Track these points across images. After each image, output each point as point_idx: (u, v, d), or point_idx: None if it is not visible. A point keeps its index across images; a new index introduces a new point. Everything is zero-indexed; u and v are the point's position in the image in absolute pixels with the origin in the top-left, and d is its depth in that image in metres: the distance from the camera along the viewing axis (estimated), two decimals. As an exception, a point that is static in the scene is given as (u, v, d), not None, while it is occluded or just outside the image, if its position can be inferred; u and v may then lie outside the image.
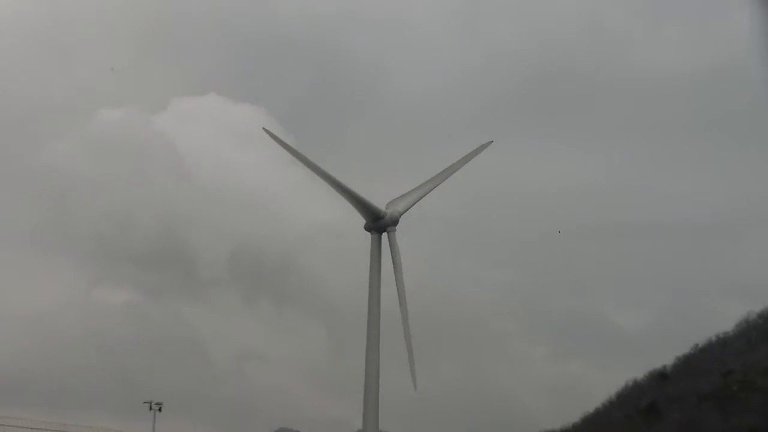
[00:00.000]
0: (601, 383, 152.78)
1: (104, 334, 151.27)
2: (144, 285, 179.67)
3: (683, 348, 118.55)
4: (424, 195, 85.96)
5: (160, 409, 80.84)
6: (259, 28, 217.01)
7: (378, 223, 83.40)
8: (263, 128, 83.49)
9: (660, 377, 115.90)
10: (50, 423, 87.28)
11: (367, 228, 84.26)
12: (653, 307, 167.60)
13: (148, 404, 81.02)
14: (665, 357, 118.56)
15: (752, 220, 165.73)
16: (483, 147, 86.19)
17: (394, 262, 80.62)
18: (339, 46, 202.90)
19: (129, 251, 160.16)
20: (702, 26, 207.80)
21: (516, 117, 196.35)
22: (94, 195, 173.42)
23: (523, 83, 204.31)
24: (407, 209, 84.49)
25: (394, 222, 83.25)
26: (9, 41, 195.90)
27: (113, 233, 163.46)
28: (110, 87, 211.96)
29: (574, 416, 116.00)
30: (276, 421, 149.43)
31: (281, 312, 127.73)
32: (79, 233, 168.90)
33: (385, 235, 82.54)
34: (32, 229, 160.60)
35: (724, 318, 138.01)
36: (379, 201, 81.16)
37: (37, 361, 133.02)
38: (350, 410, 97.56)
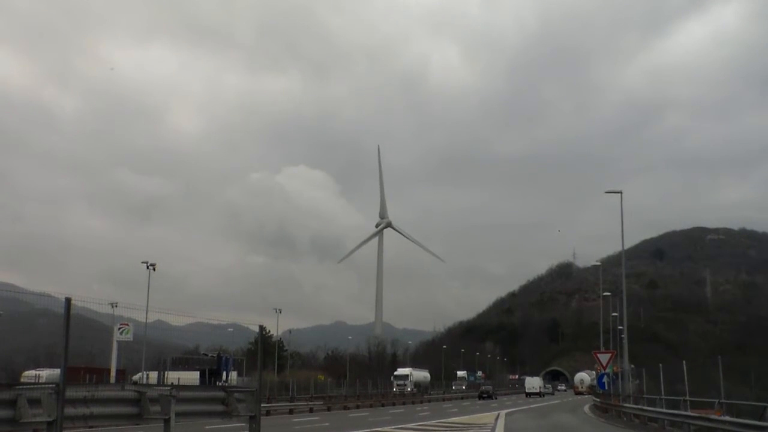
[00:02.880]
0: (483, 299, 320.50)
1: (252, 276, 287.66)
2: (271, 254, 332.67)
3: (522, 281, 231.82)
4: (405, 238, 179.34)
5: (280, 311, 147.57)
6: (322, 131, 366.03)
7: (382, 219, 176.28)
8: (391, 225, 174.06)
9: (512, 295, 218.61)
10: (227, 318, 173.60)
11: (377, 225, 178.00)
12: (505, 262, 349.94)
13: (275, 309, 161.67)
14: (514, 285, 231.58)
15: (551, 221, 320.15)
16: (439, 258, 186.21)
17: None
18: (360, 142, 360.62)
19: (264, 238, 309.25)
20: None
21: (438, 177, 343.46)
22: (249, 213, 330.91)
23: (442, 159, 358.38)
24: (396, 232, 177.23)
25: (388, 225, 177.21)
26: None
27: (257, 230, 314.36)
28: (254, 162, 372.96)
29: (472, 314, 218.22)
30: (334, 316, 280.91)
31: (335, 266, 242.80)
32: (241, 230, 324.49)
33: (384, 231, 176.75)
34: (220, 228, 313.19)
35: (538, 267, 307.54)
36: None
37: (223, 288, 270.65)
38: (369, 311, 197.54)
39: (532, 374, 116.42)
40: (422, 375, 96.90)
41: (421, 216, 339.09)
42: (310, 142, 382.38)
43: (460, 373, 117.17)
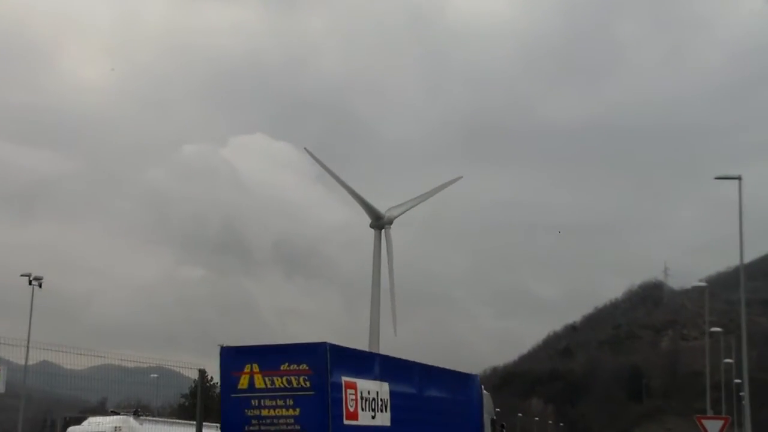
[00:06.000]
0: (528, 334, 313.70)
1: (187, 298, 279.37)
2: (214, 266, 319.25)
3: (587, 309, 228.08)
4: (412, 207, 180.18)
5: None
6: (290, 86, 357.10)
7: (379, 221, 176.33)
8: (305, 148, 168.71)
9: (572, 329, 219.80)
10: (150, 359, 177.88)
11: (371, 226, 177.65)
12: (560, 281, 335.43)
13: (220, 345, 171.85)
14: (575, 315, 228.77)
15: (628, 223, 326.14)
16: (454, 180, 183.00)
17: (387, 250, 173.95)
18: (345, 102, 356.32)
19: (204, 241, 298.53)
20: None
21: (462, 152, 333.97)
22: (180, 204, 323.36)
23: (465, 131, 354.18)
24: (400, 215, 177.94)
25: (390, 222, 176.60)
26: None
27: (193, 230, 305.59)
28: (190, 130, 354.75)
29: (513, 356, 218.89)
30: None
31: (309, 283, 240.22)
32: (170, 230, 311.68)
33: (383, 231, 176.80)
34: (138, 227, 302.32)
35: (610, 289, 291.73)
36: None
37: (143, 316, 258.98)
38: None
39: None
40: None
41: (433, 211, 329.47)
42: (273, 102, 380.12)
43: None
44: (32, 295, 53.36)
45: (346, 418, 19.87)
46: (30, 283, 53.69)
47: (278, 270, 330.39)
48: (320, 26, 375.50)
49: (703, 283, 66.87)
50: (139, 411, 66.54)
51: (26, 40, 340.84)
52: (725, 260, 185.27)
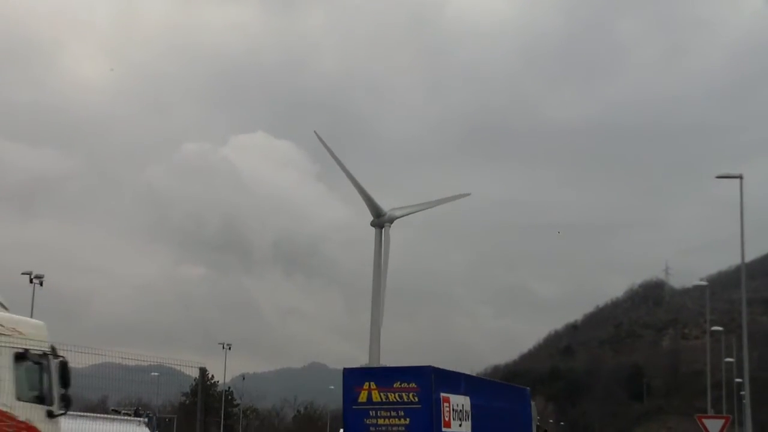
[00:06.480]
0: (529, 333, 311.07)
1: (187, 297, 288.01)
2: (214, 264, 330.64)
3: (588, 308, 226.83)
4: (414, 212, 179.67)
5: (230, 348, 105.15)
6: (291, 85, 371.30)
7: (380, 219, 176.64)
8: (314, 131, 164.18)
9: (573, 328, 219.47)
10: (151, 357, 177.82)
11: (372, 224, 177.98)
12: (561, 280, 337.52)
13: (221, 344, 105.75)
14: (576, 314, 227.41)
15: (629, 221, 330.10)
16: (462, 195, 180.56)
17: (384, 248, 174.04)
18: (346, 101, 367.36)
19: (204, 240, 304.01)
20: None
21: (462, 151, 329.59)
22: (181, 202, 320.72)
23: (465, 129, 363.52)
24: (402, 216, 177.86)
25: (391, 221, 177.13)
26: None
27: (194, 229, 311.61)
28: (190, 129, 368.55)
29: (514, 355, 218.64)
30: (308, 356, 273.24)
31: (309, 282, 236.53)
32: (171, 228, 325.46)
33: (383, 229, 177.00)
34: (138, 225, 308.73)
35: (611, 288, 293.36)
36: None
37: (143, 314, 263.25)
38: (359, 350, 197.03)
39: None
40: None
41: (433, 210, 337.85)
42: (273, 101, 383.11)
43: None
44: (33, 294, 53.56)
45: (444, 427, 24.69)
46: (31, 281, 53.87)
47: (278, 269, 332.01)
48: (320, 25, 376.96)
49: (704, 282, 67.00)
50: (140, 410, 66.79)
51: (28, 39, 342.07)
52: (726, 259, 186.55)
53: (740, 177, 39.33)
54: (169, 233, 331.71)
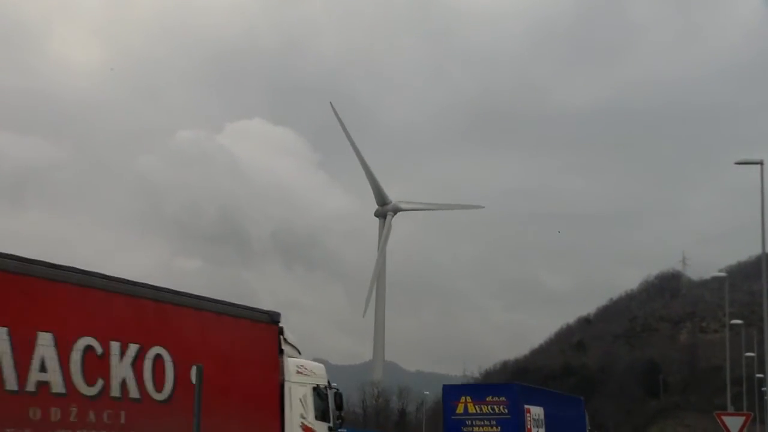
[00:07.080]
0: (540, 327, 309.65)
1: (183, 290, 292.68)
2: (210, 256, 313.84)
3: (601, 301, 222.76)
4: (420, 210, 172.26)
5: None
6: (289, 69, 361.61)
7: (384, 207, 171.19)
8: (330, 103, 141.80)
9: (585, 322, 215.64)
10: None
11: (376, 214, 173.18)
12: (572, 272, 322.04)
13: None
14: (588, 307, 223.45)
15: (644, 210, 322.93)
16: (475, 206, 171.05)
17: (385, 237, 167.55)
18: (347, 86, 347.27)
19: (200, 231, 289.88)
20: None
21: (467, 137, 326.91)
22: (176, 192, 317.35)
23: (471, 115, 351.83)
24: (406, 210, 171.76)
25: (395, 210, 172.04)
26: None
27: (189, 219, 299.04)
28: (185, 115, 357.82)
29: (524, 350, 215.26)
30: (310, 352, 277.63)
31: (309, 274, 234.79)
32: (165, 219, 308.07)
33: (386, 218, 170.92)
34: (131, 216, 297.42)
35: (626, 280, 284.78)
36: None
37: None
38: (363, 346, 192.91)
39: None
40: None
41: (438, 199, 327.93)
42: (271, 86, 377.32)
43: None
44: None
45: None
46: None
47: (277, 260, 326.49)
48: (319, 6, 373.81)
49: (722, 273, 65.30)
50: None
51: (14, 22, 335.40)
52: (746, 249, 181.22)
53: (761, 163, 37.55)
54: (163, 224, 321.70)
